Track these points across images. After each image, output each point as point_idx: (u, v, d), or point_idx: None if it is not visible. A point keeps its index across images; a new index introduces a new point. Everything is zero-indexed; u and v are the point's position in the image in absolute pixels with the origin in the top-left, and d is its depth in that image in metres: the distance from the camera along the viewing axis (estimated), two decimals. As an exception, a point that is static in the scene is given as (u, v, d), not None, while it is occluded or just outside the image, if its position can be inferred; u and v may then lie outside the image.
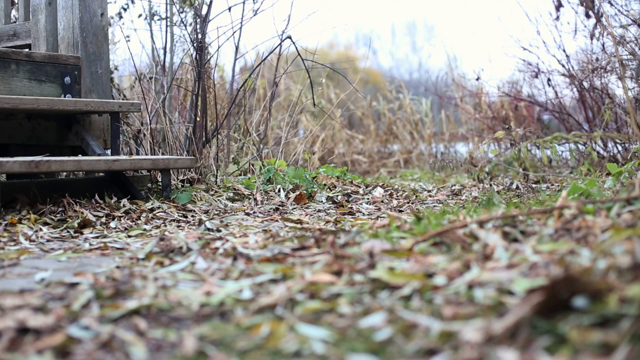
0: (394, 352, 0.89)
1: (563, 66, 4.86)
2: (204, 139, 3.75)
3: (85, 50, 3.24)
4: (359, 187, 3.76)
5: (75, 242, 2.02)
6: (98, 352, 0.95)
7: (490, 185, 3.84)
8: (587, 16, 3.14)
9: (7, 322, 1.03)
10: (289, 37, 3.97)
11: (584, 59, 4.79)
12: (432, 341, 0.91)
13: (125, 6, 5.11)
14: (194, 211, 2.69)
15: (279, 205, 2.94)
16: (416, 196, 3.53)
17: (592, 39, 3.49)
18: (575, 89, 4.93)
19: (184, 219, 2.51)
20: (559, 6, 3.67)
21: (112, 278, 1.42)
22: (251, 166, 4.02)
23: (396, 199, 3.41)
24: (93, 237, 2.13)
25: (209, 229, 2.23)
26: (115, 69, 5.14)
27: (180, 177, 3.44)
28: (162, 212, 2.62)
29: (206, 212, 2.71)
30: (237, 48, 4.15)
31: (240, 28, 4.00)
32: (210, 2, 3.72)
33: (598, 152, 4.28)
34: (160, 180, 3.19)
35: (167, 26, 4.22)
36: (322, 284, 1.24)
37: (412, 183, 4.69)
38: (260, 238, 1.90)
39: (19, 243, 1.98)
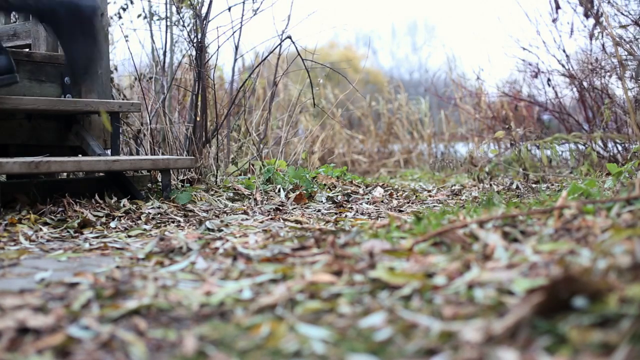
0: (394, 352, 0.89)
1: (563, 66, 4.86)
2: (203, 139, 3.75)
3: (85, 50, 3.23)
4: (359, 187, 3.76)
5: (75, 242, 2.02)
6: (98, 352, 0.95)
7: (490, 185, 3.84)
8: (587, 16, 3.14)
9: (7, 322, 1.03)
10: (289, 37, 3.96)
11: (583, 59, 4.79)
12: (432, 341, 0.91)
13: (125, 6, 5.10)
14: (194, 211, 2.69)
15: (279, 205, 2.94)
16: (416, 196, 3.53)
17: (591, 39, 3.49)
18: (575, 89, 4.93)
19: (184, 219, 2.51)
20: (557, 8, 3.67)
21: (112, 278, 1.42)
22: (251, 166, 4.02)
23: (396, 199, 3.41)
24: (93, 237, 2.13)
25: (209, 229, 2.23)
26: (115, 69, 5.14)
27: (180, 177, 3.44)
28: (162, 212, 2.62)
29: (206, 212, 2.71)
30: (237, 48, 4.15)
31: (240, 28, 4.00)
32: (210, 1, 3.72)
33: (598, 152, 4.28)
34: (160, 180, 3.19)
35: (166, 26, 4.22)
36: (322, 284, 1.24)
37: (412, 183, 4.69)
38: (260, 238, 1.90)
39: (19, 243, 1.98)
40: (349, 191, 3.51)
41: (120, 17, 5.11)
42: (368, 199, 3.33)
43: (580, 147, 4.49)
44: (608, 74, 4.38)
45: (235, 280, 1.35)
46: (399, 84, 7.91)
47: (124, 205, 2.63)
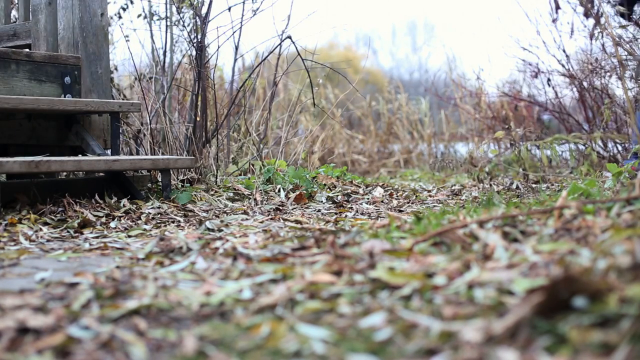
0: (394, 352, 0.89)
1: (563, 66, 4.86)
2: (204, 139, 3.75)
3: (85, 50, 3.24)
4: (359, 187, 3.76)
5: (75, 242, 2.02)
6: (98, 352, 0.95)
7: (490, 185, 3.84)
8: (587, 16, 3.14)
9: (7, 322, 1.03)
10: (289, 37, 3.96)
11: (583, 59, 4.79)
12: (432, 341, 0.91)
13: (125, 6, 5.10)
14: (194, 211, 2.69)
15: (279, 205, 2.94)
16: (416, 196, 3.53)
17: (591, 39, 3.49)
18: (575, 89, 4.94)
19: (184, 219, 2.51)
20: (557, 8, 3.67)
21: (112, 278, 1.42)
22: (251, 166, 4.02)
23: (396, 199, 3.41)
24: (93, 237, 2.13)
25: (209, 229, 2.23)
26: (115, 69, 5.14)
27: (180, 177, 3.44)
28: (162, 212, 2.62)
29: (206, 212, 2.71)
30: (236, 48, 4.15)
31: (240, 28, 4.00)
32: (210, 1, 3.73)
33: (598, 152, 4.28)
34: (160, 180, 3.19)
35: (166, 26, 4.22)
36: (322, 284, 1.24)
37: (412, 183, 4.69)
38: (260, 238, 1.90)
39: (19, 243, 1.98)
40: (349, 191, 3.51)
41: (120, 17, 5.11)
42: (368, 199, 3.33)
43: (580, 147, 4.49)
44: (608, 74, 4.38)
45: (235, 280, 1.35)
46: (399, 84, 7.91)
47: (124, 205, 2.63)
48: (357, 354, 0.89)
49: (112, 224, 2.36)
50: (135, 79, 4.50)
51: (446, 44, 13.23)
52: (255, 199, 3.05)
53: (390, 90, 7.86)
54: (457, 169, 5.11)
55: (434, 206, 3.00)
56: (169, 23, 4.23)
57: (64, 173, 3.61)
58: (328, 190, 3.50)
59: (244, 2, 3.92)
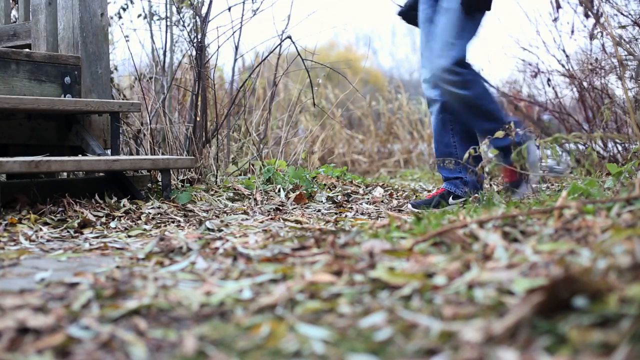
0: (394, 352, 0.89)
1: (563, 66, 4.86)
2: (204, 139, 3.75)
3: (85, 50, 3.24)
4: (359, 187, 3.76)
5: (75, 242, 2.02)
6: (98, 352, 0.95)
7: (490, 185, 3.84)
8: (587, 16, 3.15)
9: (7, 322, 1.03)
10: (289, 37, 3.96)
11: (583, 59, 4.79)
12: (432, 341, 0.91)
13: (125, 6, 5.11)
14: (194, 211, 2.69)
15: (279, 205, 2.94)
16: (416, 196, 3.53)
17: (591, 39, 3.50)
18: (575, 89, 4.93)
19: (184, 219, 2.51)
20: (557, 7, 3.67)
21: (112, 278, 1.42)
22: (251, 166, 4.02)
23: (396, 199, 3.41)
24: (93, 237, 2.13)
25: (209, 229, 2.23)
26: (115, 69, 5.14)
27: (180, 177, 3.44)
28: (162, 212, 2.62)
29: (206, 212, 2.71)
30: (236, 48, 4.15)
31: (240, 28, 4.00)
32: (210, 1, 3.73)
33: (598, 152, 4.28)
34: (160, 180, 3.19)
35: (166, 26, 4.22)
36: (322, 284, 1.24)
37: (412, 183, 4.69)
38: (260, 238, 1.90)
39: (19, 243, 1.98)
40: (349, 191, 3.51)
41: (120, 17, 5.11)
42: (368, 199, 3.33)
43: (580, 147, 4.49)
44: (608, 74, 4.38)
45: (235, 280, 1.35)
46: (399, 84, 7.91)
47: (124, 205, 2.63)
48: (357, 354, 0.89)
49: (112, 224, 2.36)
50: (135, 79, 4.50)
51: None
52: (255, 199, 3.05)
53: (391, 90, 7.85)
54: (457, 169, 5.09)
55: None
56: (169, 23, 4.23)
57: (64, 173, 3.61)
58: (328, 190, 3.50)
59: (244, 2, 3.93)
